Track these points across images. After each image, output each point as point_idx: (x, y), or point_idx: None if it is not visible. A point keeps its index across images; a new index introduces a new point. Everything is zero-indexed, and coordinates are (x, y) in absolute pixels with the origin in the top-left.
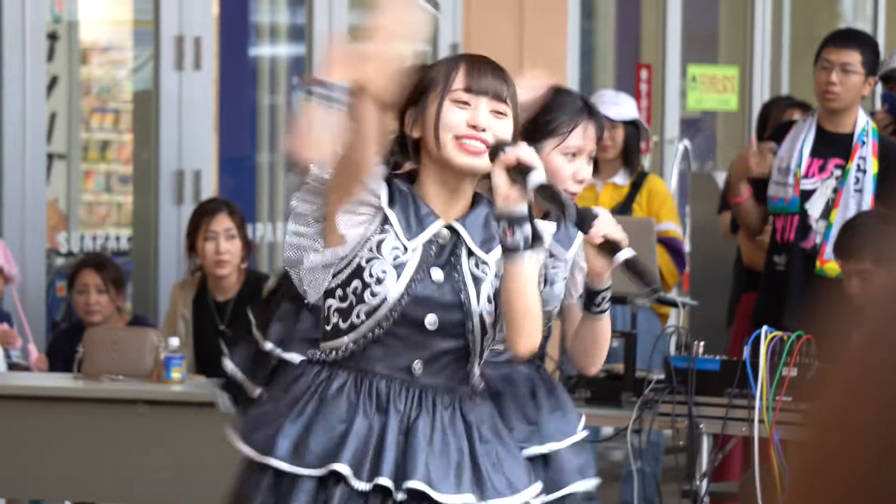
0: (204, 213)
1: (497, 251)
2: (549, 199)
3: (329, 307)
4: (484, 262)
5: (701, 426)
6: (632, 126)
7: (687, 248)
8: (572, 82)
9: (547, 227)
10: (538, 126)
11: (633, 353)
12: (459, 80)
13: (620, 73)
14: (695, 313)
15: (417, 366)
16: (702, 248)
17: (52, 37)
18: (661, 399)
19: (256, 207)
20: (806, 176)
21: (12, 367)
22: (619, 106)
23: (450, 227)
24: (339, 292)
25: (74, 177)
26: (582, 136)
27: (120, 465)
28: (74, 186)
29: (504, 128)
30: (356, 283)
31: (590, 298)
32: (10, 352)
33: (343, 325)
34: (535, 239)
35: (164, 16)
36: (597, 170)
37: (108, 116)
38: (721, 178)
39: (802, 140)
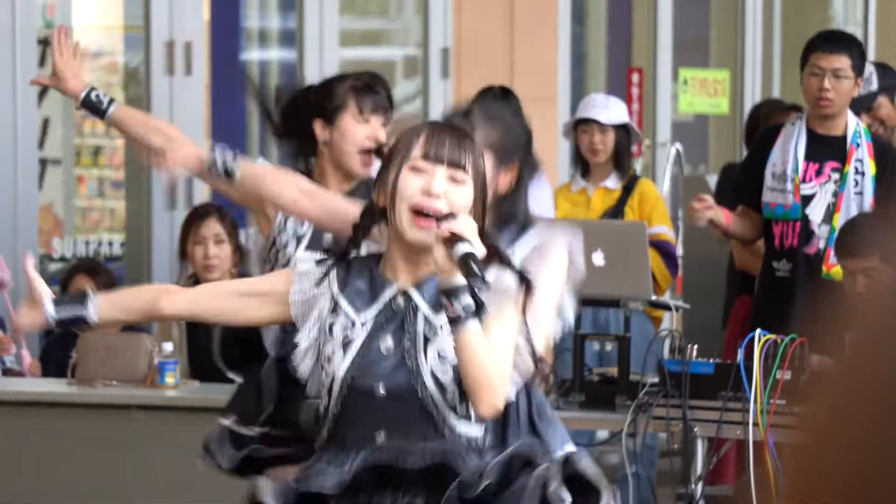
0: (194, 217)
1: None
2: (466, 273)
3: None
4: (440, 326)
5: (695, 429)
6: (623, 130)
7: (680, 251)
8: (563, 87)
9: (501, 277)
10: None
11: (627, 357)
12: (418, 148)
13: (612, 77)
14: (688, 316)
15: (381, 436)
16: (695, 251)
17: (45, 42)
18: (656, 402)
19: (249, 212)
20: (804, 181)
21: (6, 372)
22: (609, 110)
23: (405, 293)
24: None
25: (67, 182)
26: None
27: (114, 470)
28: (68, 192)
29: (461, 195)
30: (316, 364)
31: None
32: (3, 358)
33: (321, 405)
34: (478, 307)
35: (154, 21)
36: (588, 173)
37: (100, 122)
38: (713, 181)
39: (794, 144)
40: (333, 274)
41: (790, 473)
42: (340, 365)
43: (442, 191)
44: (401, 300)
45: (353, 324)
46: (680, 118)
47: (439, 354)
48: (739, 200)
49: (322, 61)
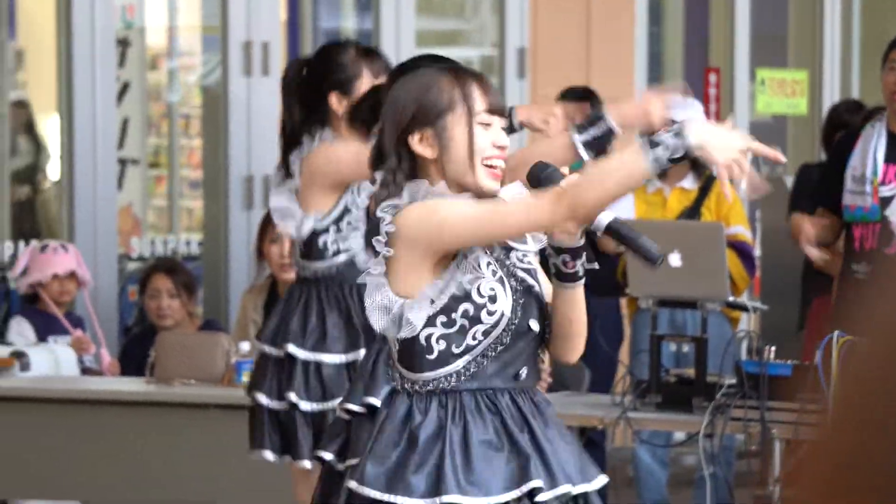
0: (271, 217)
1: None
2: (619, 237)
3: (429, 336)
4: (525, 253)
5: (774, 431)
6: None
7: (757, 252)
8: (640, 87)
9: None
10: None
11: (705, 358)
12: (481, 101)
13: (689, 77)
14: (765, 318)
15: (523, 372)
16: (772, 252)
17: (123, 42)
18: (734, 404)
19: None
20: (883, 183)
21: (85, 371)
22: (685, 110)
23: None
24: (440, 318)
25: (145, 182)
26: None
27: (192, 468)
28: (146, 192)
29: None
30: (465, 305)
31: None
32: (83, 357)
33: (456, 350)
34: (590, 262)
35: (232, 21)
36: (665, 174)
37: (177, 122)
38: (790, 182)
39: (874, 146)
40: None
41: (814, 466)
42: (506, 301)
43: (506, 142)
44: None
45: (488, 263)
46: (757, 119)
47: (539, 280)
48: (819, 203)
49: (398, 62)
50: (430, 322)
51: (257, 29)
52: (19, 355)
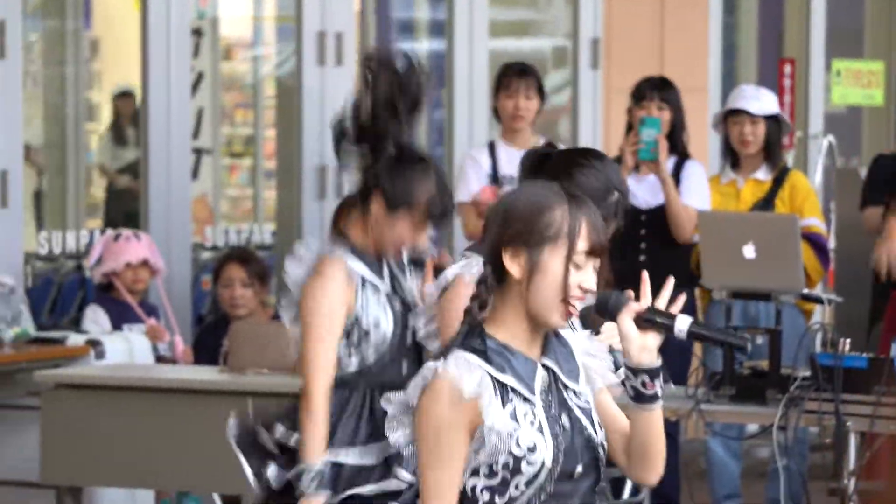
0: (344, 206)
1: (579, 376)
2: (708, 341)
3: (473, 487)
4: (580, 392)
5: (848, 424)
6: (773, 121)
7: (832, 244)
8: (714, 78)
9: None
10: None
11: (779, 351)
12: (583, 241)
13: (763, 68)
14: (839, 310)
15: None
16: (846, 244)
17: (197, 33)
18: (808, 396)
19: None
20: None
21: (160, 359)
22: (759, 101)
23: (544, 366)
24: (483, 470)
25: (218, 172)
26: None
27: None
28: (219, 181)
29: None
30: (505, 458)
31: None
32: (157, 345)
33: (499, 501)
34: (665, 382)
35: (306, 12)
36: (738, 165)
37: (251, 112)
38: (864, 172)
39: None
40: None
41: None
42: (546, 451)
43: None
44: (544, 373)
45: (532, 404)
46: (832, 110)
47: (599, 424)
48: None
49: (472, 52)
50: (475, 472)
51: (331, 19)
52: (95, 343)
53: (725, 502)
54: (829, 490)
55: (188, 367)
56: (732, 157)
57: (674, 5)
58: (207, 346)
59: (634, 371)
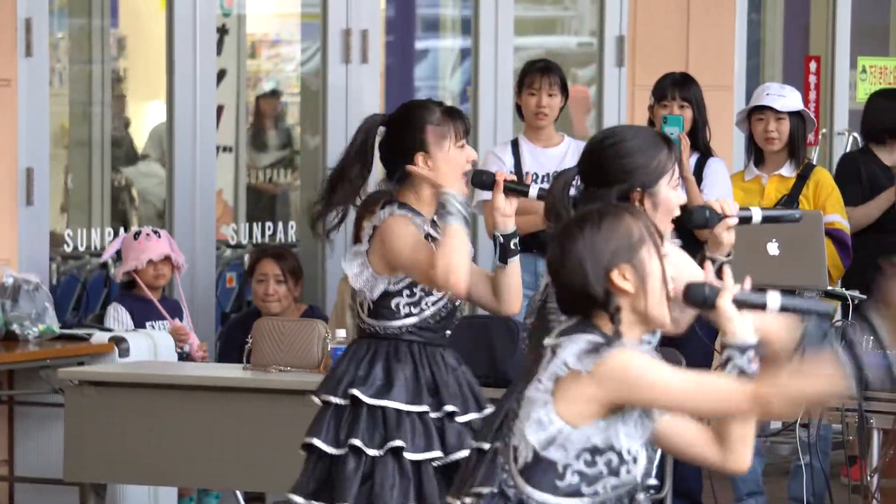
0: (367, 205)
1: None
2: (798, 312)
3: (566, 466)
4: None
5: (871, 421)
6: (798, 118)
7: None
8: (740, 75)
9: None
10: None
11: (801, 347)
12: (657, 233)
13: (788, 65)
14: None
15: None
16: None
17: (222, 30)
18: None
19: None
20: None
21: (180, 359)
22: (784, 98)
23: None
24: (585, 456)
25: (239, 168)
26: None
27: (288, 455)
28: (241, 178)
29: None
30: (611, 455)
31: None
32: (182, 347)
33: (585, 490)
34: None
35: (331, 9)
36: (762, 161)
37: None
38: None
39: None
40: None
41: None
42: (640, 468)
43: None
44: None
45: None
46: (857, 107)
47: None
48: None
49: (497, 50)
50: (577, 456)
51: (357, 16)
52: (119, 341)
53: (748, 499)
54: (851, 487)
55: (212, 365)
56: (756, 153)
57: (699, 3)
58: (236, 341)
59: (741, 349)
